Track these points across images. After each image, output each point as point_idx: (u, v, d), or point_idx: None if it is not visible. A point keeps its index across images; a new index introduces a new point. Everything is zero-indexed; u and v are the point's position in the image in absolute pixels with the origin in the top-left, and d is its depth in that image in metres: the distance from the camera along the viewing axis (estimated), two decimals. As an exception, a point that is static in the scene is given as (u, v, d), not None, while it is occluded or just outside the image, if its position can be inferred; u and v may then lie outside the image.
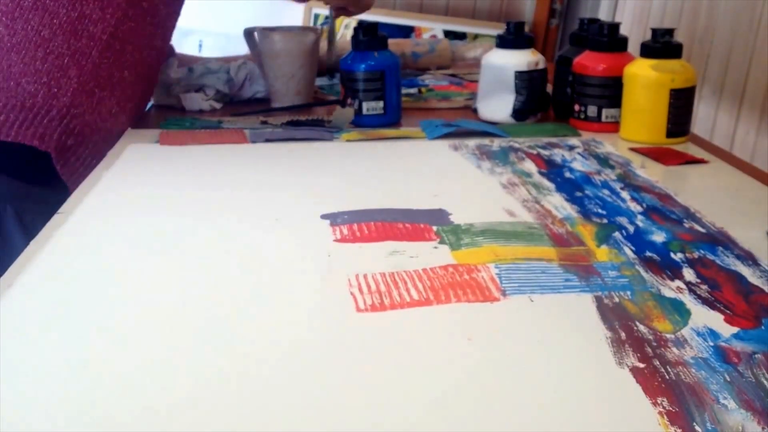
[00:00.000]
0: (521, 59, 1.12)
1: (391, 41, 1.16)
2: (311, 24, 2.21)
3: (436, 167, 0.94)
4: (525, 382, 0.49)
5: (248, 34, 1.28)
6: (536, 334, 0.55)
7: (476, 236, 0.71)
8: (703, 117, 1.42)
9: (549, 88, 1.18)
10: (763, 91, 1.25)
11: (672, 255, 0.68)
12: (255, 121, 1.14)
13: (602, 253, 0.68)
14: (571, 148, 1.01)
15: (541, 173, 0.91)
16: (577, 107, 1.11)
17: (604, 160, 0.95)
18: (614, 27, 1.09)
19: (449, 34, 2.17)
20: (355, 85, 1.12)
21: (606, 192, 0.84)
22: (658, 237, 0.72)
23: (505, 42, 1.13)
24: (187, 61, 1.30)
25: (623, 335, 0.54)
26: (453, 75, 1.51)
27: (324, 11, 2.21)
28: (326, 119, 1.13)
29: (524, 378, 0.49)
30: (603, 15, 1.94)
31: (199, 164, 0.95)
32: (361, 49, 1.12)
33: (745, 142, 1.30)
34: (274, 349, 0.53)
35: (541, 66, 1.13)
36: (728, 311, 0.58)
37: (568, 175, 0.90)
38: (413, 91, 1.36)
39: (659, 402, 0.46)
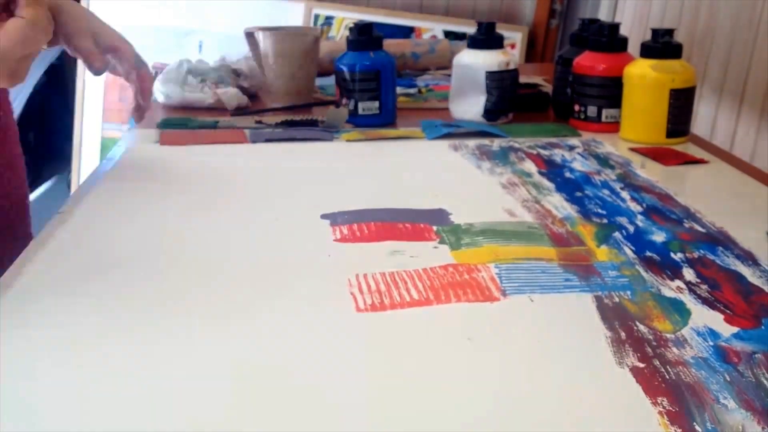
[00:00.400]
0: (492, 59, 1.11)
1: (390, 41, 1.16)
2: (311, 24, 2.21)
3: (436, 167, 0.94)
4: (525, 382, 0.49)
5: (248, 34, 1.28)
6: (536, 334, 0.55)
7: (476, 236, 0.71)
8: (703, 117, 1.42)
9: (552, 89, 1.18)
10: (763, 91, 1.25)
11: (672, 255, 0.68)
12: (250, 121, 1.14)
13: (602, 253, 0.68)
14: (571, 148, 1.01)
15: (541, 173, 0.91)
16: (577, 107, 1.11)
17: (604, 160, 0.95)
18: (614, 27, 1.09)
19: (449, 35, 2.17)
20: (351, 85, 1.12)
21: (606, 192, 0.84)
22: (658, 237, 0.72)
23: (476, 42, 1.13)
24: None
25: (623, 335, 0.54)
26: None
27: (324, 11, 2.22)
28: (320, 119, 1.13)
29: (524, 378, 0.49)
30: (603, 15, 1.94)
31: (199, 164, 0.95)
32: (356, 49, 1.12)
33: (745, 142, 1.30)
34: (274, 348, 0.53)
35: (512, 66, 1.13)
36: (728, 311, 0.58)
37: (568, 175, 0.90)
38: (413, 91, 1.36)
39: (659, 402, 0.46)
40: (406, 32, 2.20)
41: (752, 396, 0.47)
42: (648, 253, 0.68)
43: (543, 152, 0.99)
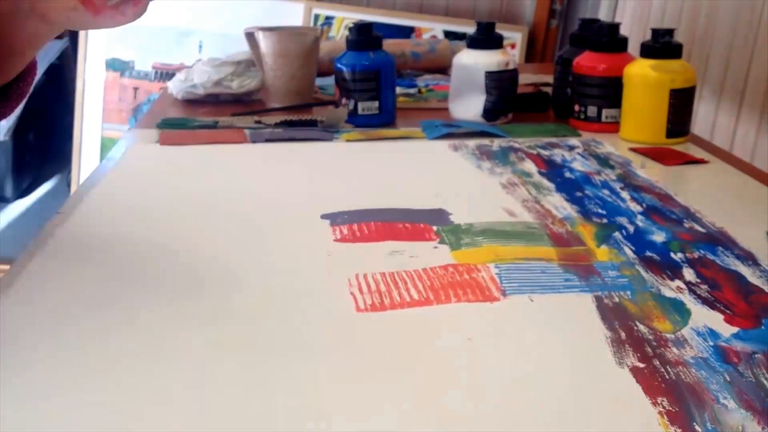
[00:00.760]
0: (491, 59, 1.11)
1: (390, 41, 1.16)
2: (311, 24, 2.21)
3: (436, 167, 0.94)
4: (525, 381, 0.49)
5: (248, 34, 1.28)
6: (536, 334, 0.55)
7: (476, 236, 0.71)
8: (703, 117, 1.42)
9: (551, 89, 1.18)
10: (763, 91, 1.25)
11: (672, 255, 0.68)
12: (250, 121, 1.14)
13: (602, 253, 0.68)
14: (571, 148, 1.01)
15: (541, 173, 0.91)
16: (577, 107, 1.11)
17: (604, 160, 0.95)
18: (614, 27, 1.09)
19: (449, 35, 2.17)
20: (350, 85, 1.12)
21: (606, 192, 0.84)
22: (658, 237, 0.72)
23: (475, 42, 1.13)
24: None
25: (623, 335, 0.54)
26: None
27: (324, 11, 2.22)
28: (319, 119, 1.13)
29: (524, 378, 0.49)
30: (603, 15, 1.94)
31: (199, 164, 0.95)
32: (355, 49, 1.12)
33: (745, 142, 1.30)
34: (274, 348, 0.53)
35: (511, 66, 1.13)
36: (728, 311, 0.58)
37: (568, 175, 0.90)
38: (413, 91, 1.36)
39: (659, 402, 0.46)
40: (406, 32, 2.20)
41: (752, 396, 0.47)
42: (648, 253, 0.68)
43: (543, 152, 0.99)
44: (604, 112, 1.09)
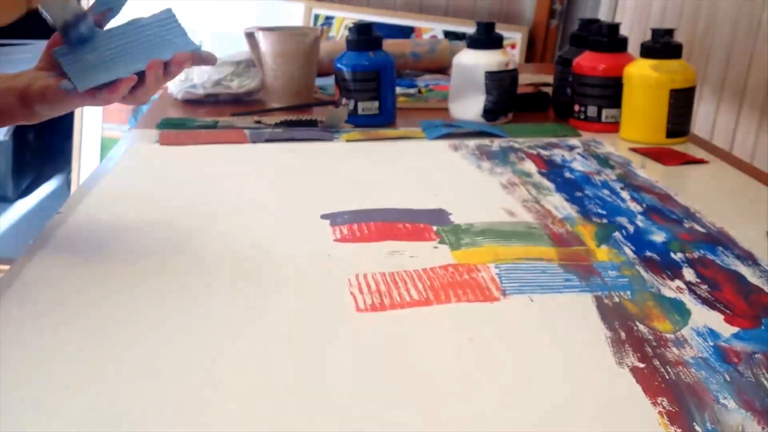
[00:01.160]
0: (491, 59, 1.11)
1: (391, 41, 1.16)
2: (311, 24, 2.21)
3: (436, 167, 0.94)
4: (525, 382, 0.49)
5: (248, 34, 1.28)
6: (536, 334, 0.55)
7: (476, 236, 0.71)
8: (703, 117, 1.42)
9: (551, 89, 1.18)
10: (763, 91, 1.25)
11: (672, 255, 0.68)
12: (249, 121, 1.14)
13: (602, 253, 0.68)
14: (571, 148, 1.01)
15: (541, 173, 0.91)
16: (577, 107, 1.11)
17: (604, 160, 0.95)
18: (614, 27, 1.09)
19: (449, 35, 2.17)
20: (350, 85, 1.12)
21: (606, 192, 0.84)
22: (658, 237, 0.72)
23: (475, 42, 1.13)
24: None
25: (623, 335, 0.54)
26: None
27: (324, 11, 2.22)
28: (319, 119, 1.13)
29: (524, 378, 0.49)
30: (603, 15, 1.94)
31: (198, 164, 0.95)
32: (356, 49, 1.12)
33: (745, 142, 1.30)
34: (274, 348, 0.53)
35: (511, 66, 1.13)
36: (728, 311, 0.58)
37: (568, 175, 0.90)
38: (413, 91, 1.36)
39: (659, 402, 0.46)
40: (406, 32, 2.20)
41: (752, 396, 0.47)
42: (648, 253, 0.68)
43: (543, 152, 0.99)
44: (604, 112, 1.09)
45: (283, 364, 0.51)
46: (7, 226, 2.19)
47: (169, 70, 0.68)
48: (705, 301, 0.59)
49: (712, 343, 0.53)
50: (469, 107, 1.13)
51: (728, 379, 0.49)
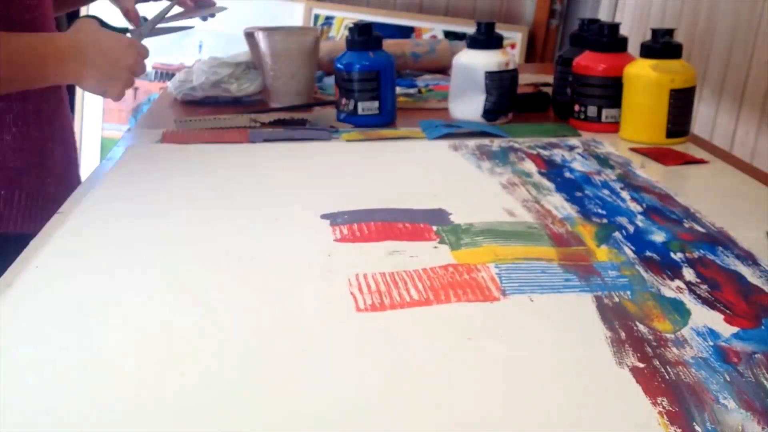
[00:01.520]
0: (491, 60, 1.11)
1: (391, 41, 1.16)
2: (311, 24, 2.21)
3: (436, 167, 0.94)
4: (525, 381, 0.49)
5: (248, 34, 1.28)
6: (536, 334, 0.55)
7: (476, 236, 0.71)
8: (703, 117, 1.42)
9: (551, 89, 1.18)
10: (763, 91, 1.25)
11: (672, 255, 0.68)
12: (245, 119, 1.14)
13: (602, 253, 0.68)
14: (571, 148, 1.01)
15: (541, 173, 0.91)
16: (577, 107, 1.11)
17: (604, 160, 0.95)
18: (614, 27, 1.09)
19: (449, 35, 2.17)
20: (351, 85, 1.12)
21: (606, 192, 0.84)
22: (658, 237, 0.72)
23: (475, 42, 1.13)
24: None
25: (623, 335, 0.54)
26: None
27: (324, 11, 2.22)
28: (308, 119, 1.13)
29: (524, 378, 0.49)
30: (603, 15, 1.94)
31: (198, 164, 0.95)
32: (356, 49, 1.12)
33: (745, 142, 1.30)
34: (274, 348, 0.53)
35: (511, 66, 1.13)
36: (728, 311, 0.58)
37: (568, 175, 0.90)
38: (413, 91, 1.36)
39: (659, 402, 0.46)
40: (406, 32, 2.20)
41: (752, 396, 0.47)
42: (648, 253, 0.68)
43: (543, 152, 0.99)
44: (604, 112, 1.09)
45: (283, 364, 0.51)
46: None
47: None
48: (705, 301, 0.59)
49: (712, 343, 0.53)
50: (469, 107, 1.14)
51: (728, 379, 0.49)
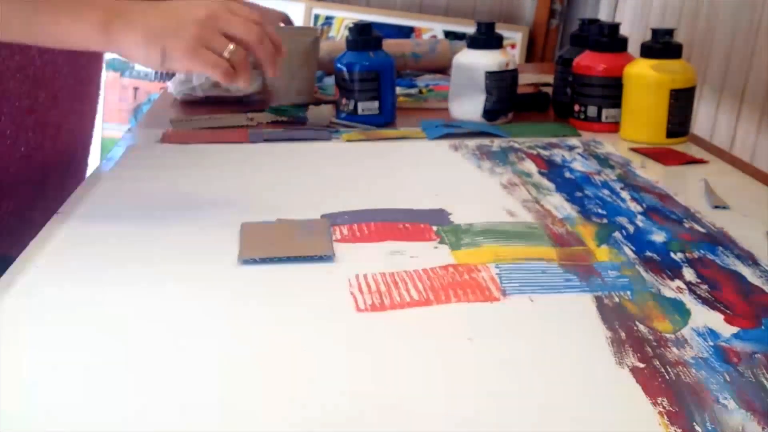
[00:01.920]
0: (492, 59, 1.11)
1: (391, 41, 1.15)
2: (311, 24, 2.21)
3: (436, 167, 0.94)
4: (525, 381, 0.49)
5: (248, 34, 1.28)
6: (536, 334, 0.55)
7: (476, 236, 0.71)
8: (703, 117, 1.42)
9: (551, 89, 1.18)
10: (763, 91, 1.25)
11: (672, 255, 0.68)
12: (244, 119, 1.14)
13: (602, 253, 0.68)
14: (571, 148, 1.01)
15: (541, 173, 0.91)
16: (577, 107, 1.11)
17: (604, 161, 0.95)
18: (614, 27, 1.09)
19: (449, 35, 2.17)
20: (351, 86, 1.12)
21: (606, 192, 0.84)
22: (658, 237, 0.72)
23: (475, 42, 1.13)
24: None
25: (623, 335, 0.54)
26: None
27: (324, 11, 2.22)
28: (307, 117, 1.13)
29: (524, 378, 0.49)
30: (603, 15, 1.94)
31: (198, 164, 0.95)
32: (356, 49, 1.12)
33: (745, 142, 1.30)
34: (274, 348, 0.53)
35: (511, 66, 1.13)
36: (728, 311, 0.58)
37: (568, 175, 0.90)
38: (413, 91, 1.36)
39: (659, 402, 0.46)
40: (406, 32, 2.20)
41: (752, 396, 0.47)
42: (648, 253, 0.68)
43: (543, 152, 0.99)
44: (604, 112, 1.09)
45: (283, 363, 0.51)
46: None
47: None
48: (705, 301, 0.59)
49: (712, 343, 0.53)
50: (469, 107, 1.13)
51: (728, 379, 0.49)
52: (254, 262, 0.66)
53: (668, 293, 0.61)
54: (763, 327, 0.55)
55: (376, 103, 1.12)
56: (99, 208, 0.80)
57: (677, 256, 0.67)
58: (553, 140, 1.04)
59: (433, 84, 1.42)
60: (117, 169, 0.94)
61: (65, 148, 0.93)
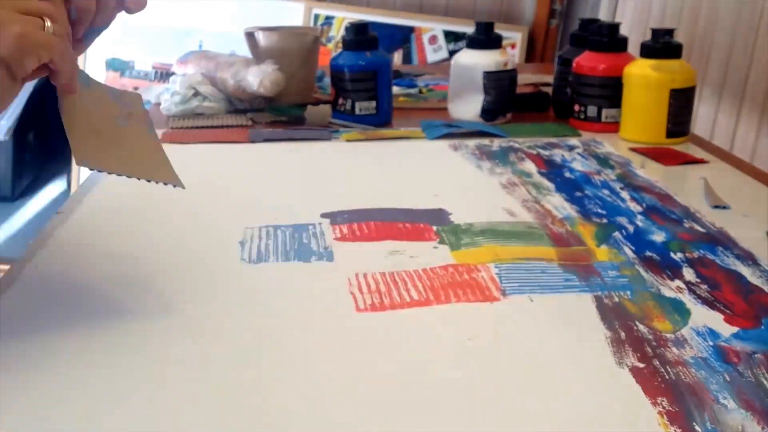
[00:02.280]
0: (490, 59, 1.11)
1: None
2: (311, 24, 2.21)
3: (436, 167, 0.94)
4: (525, 382, 0.49)
5: (248, 34, 1.28)
6: (536, 334, 0.55)
7: (476, 236, 0.71)
8: (703, 117, 1.42)
9: (551, 89, 1.18)
10: (763, 91, 1.25)
11: (672, 255, 0.68)
12: (243, 119, 1.14)
13: (602, 253, 0.68)
14: (571, 148, 1.01)
15: (541, 173, 0.91)
16: (577, 107, 1.11)
17: (604, 160, 0.95)
18: (614, 27, 1.09)
19: (449, 35, 2.17)
20: (347, 85, 1.12)
21: (606, 192, 0.84)
22: (658, 237, 0.72)
23: (474, 42, 1.13)
24: None
25: (623, 335, 0.54)
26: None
27: (324, 11, 2.22)
28: (306, 117, 1.13)
29: (524, 378, 0.49)
30: (603, 15, 1.94)
31: (199, 164, 0.95)
32: (352, 49, 1.12)
33: (745, 142, 1.30)
34: (274, 348, 0.53)
35: (510, 66, 1.13)
36: (728, 311, 0.58)
37: (568, 175, 0.90)
38: (413, 91, 1.36)
39: (659, 402, 0.46)
40: (406, 32, 2.20)
41: (752, 396, 0.47)
42: (648, 253, 0.68)
43: (543, 152, 0.99)
44: (604, 112, 1.09)
45: (283, 363, 0.51)
46: (7, 226, 2.19)
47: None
48: (705, 301, 0.59)
49: (711, 343, 0.53)
50: (468, 107, 1.13)
51: (728, 379, 0.49)
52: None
53: (668, 293, 0.61)
54: (762, 327, 0.55)
55: (373, 103, 1.12)
56: (98, 209, 0.80)
57: (677, 256, 0.67)
58: (553, 140, 1.04)
59: (433, 84, 1.42)
60: (117, 169, 0.93)
61: None
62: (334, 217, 0.76)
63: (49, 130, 2.36)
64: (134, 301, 0.60)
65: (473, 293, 0.61)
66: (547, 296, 0.60)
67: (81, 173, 2.24)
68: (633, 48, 1.10)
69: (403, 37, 2.18)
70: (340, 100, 1.13)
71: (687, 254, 0.68)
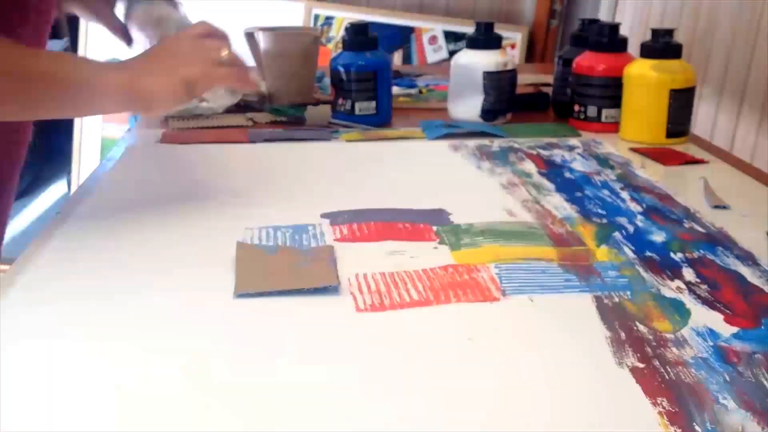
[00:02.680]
0: (490, 60, 1.11)
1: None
2: (311, 24, 2.20)
3: (436, 167, 0.94)
4: (525, 382, 0.49)
5: (248, 34, 1.28)
6: (536, 334, 0.55)
7: (476, 236, 0.71)
8: (703, 117, 1.42)
9: (551, 89, 1.18)
10: (763, 91, 1.25)
11: (672, 255, 0.68)
12: (243, 119, 1.14)
13: (602, 253, 0.68)
14: (571, 148, 1.01)
15: (541, 173, 0.91)
16: (577, 107, 1.11)
17: (604, 161, 0.95)
18: (614, 27, 1.09)
19: (449, 35, 2.17)
20: (347, 86, 1.12)
21: (606, 192, 0.84)
22: (658, 237, 0.72)
23: (474, 42, 1.13)
24: None
25: (623, 335, 0.54)
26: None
27: (324, 11, 2.22)
28: (306, 117, 1.13)
29: (524, 378, 0.49)
30: (603, 15, 1.94)
31: (198, 164, 0.95)
32: (352, 49, 1.12)
33: (745, 142, 1.30)
34: (274, 348, 0.53)
35: (510, 66, 1.13)
36: (728, 311, 0.58)
37: (568, 175, 0.90)
38: (413, 91, 1.36)
39: (659, 402, 0.46)
40: (406, 32, 2.20)
41: (752, 396, 0.47)
42: (648, 253, 0.68)
43: (543, 152, 0.99)
44: (604, 112, 1.09)
45: (283, 363, 0.51)
46: (8, 226, 2.19)
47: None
48: (705, 301, 0.59)
49: (712, 343, 0.53)
50: (468, 107, 1.13)
51: (728, 379, 0.49)
52: (250, 296, 0.60)
53: (668, 293, 0.61)
54: (762, 327, 0.55)
55: (373, 103, 1.12)
56: (98, 209, 0.80)
57: (677, 256, 0.67)
58: (553, 140, 1.04)
59: (433, 84, 1.42)
60: (116, 169, 0.93)
61: None
62: (334, 218, 0.76)
63: (49, 130, 2.36)
64: (134, 301, 0.60)
65: (473, 293, 0.61)
66: (547, 296, 0.60)
67: (81, 173, 2.24)
68: (633, 48, 1.09)
69: (403, 37, 2.18)
70: (340, 101, 1.13)
71: (687, 254, 0.68)
